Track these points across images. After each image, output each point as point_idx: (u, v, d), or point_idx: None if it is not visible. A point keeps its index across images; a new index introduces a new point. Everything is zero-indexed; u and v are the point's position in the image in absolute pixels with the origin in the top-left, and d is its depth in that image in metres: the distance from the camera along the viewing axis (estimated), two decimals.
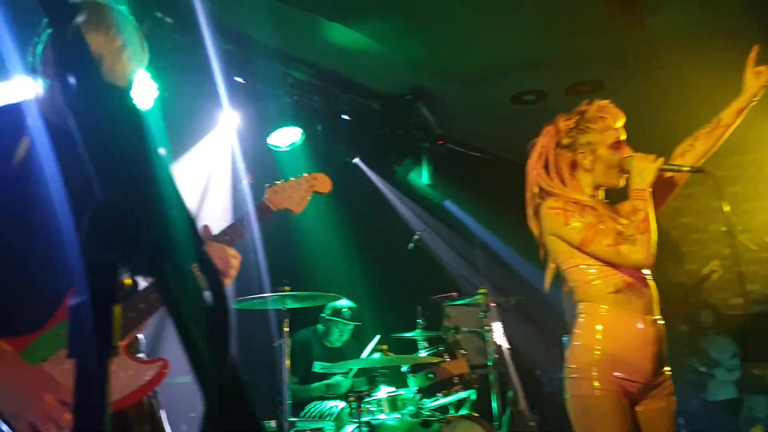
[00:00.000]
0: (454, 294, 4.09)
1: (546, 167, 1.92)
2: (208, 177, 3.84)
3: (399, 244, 4.42)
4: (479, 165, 5.77)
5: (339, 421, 3.04)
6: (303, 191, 1.77)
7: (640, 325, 1.76)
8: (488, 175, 5.88)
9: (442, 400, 3.21)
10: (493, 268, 5.35)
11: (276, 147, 3.95)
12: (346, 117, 4.47)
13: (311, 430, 2.71)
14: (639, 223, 1.74)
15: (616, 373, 1.72)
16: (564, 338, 4.75)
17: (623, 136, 1.92)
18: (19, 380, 1.18)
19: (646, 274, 1.84)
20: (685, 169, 1.89)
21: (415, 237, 4.12)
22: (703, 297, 6.05)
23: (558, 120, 1.97)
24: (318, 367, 2.93)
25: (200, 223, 1.83)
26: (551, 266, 1.93)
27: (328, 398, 3.26)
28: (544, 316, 5.56)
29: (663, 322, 1.84)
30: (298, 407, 3.17)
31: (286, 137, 3.95)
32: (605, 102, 1.96)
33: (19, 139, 1.28)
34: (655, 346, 1.77)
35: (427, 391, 3.18)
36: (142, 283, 1.36)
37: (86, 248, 0.57)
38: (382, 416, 3.08)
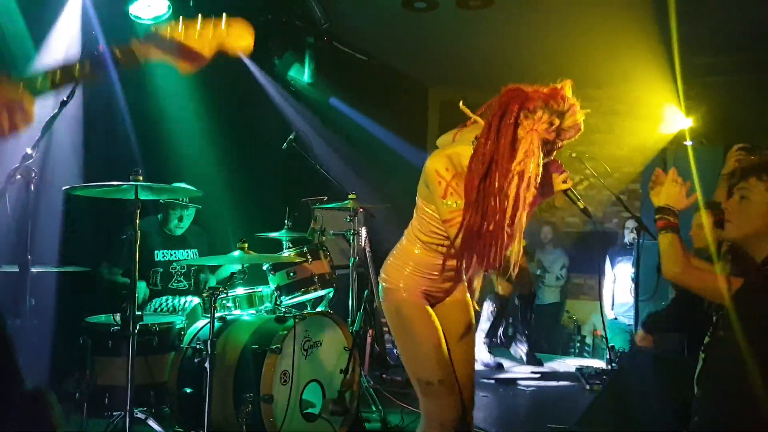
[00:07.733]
0: (325, 197, 4.07)
1: (513, 143, 1.71)
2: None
3: (274, 143, 4.25)
4: (363, 69, 5.62)
5: (192, 316, 2.98)
6: None
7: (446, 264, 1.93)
8: (371, 80, 5.76)
9: (300, 298, 3.27)
10: (366, 175, 5.40)
11: (138, 18, 3.50)
12: None
13: (159, 324, 2.62)
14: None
15: (420, 288, 1.97)
16: None
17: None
18: None
19: None
20: (581, 206, 1.87)
21: (290, 137, 3.98)
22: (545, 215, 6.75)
23: (533, 95, 1.72)
24: (160, 255, 2.76)
25: None
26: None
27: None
28: (407, 224, 5.83)
29: None
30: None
31: (151, 8, 3.50)
32: (575, 118, 1.78)
33: None
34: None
35: (285, 289, 3.21)
36: None
37: None
38: (237, 312, 3.08)
